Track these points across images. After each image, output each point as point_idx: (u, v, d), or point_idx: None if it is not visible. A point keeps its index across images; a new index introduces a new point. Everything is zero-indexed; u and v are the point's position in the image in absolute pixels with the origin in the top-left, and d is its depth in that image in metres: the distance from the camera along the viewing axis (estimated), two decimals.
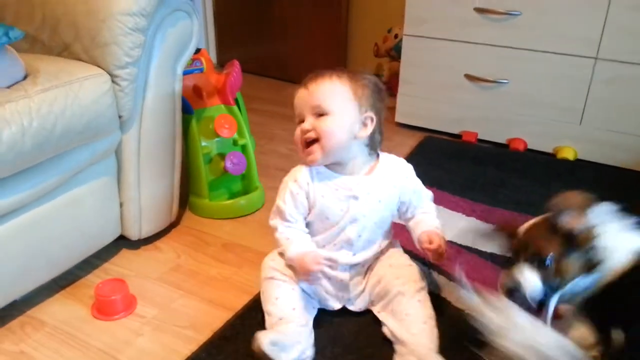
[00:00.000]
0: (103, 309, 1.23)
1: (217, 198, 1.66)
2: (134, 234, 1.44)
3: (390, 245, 1.26)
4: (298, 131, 1.15)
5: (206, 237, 1.55)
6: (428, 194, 1.27)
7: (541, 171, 1.93)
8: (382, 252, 1.23)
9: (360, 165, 1.18)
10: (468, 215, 1.65)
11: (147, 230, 1.46)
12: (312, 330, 1.13)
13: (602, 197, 1.64)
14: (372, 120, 1.15)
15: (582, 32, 1.89)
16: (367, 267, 1.22)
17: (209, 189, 1.63)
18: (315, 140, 1.12)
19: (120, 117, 1.27)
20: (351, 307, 1.22)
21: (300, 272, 1.13)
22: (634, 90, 1.88)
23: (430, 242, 1.14)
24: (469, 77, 2.13)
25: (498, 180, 1.85)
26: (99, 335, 1.18)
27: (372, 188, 1.16)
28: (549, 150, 2.09)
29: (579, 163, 2.02)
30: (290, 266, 1.16)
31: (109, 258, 1.43)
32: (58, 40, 1.28)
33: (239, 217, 1.64)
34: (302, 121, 1.14)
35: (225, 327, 1.18)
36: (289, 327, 1.07)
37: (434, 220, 1.22)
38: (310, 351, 1.08)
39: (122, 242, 1.46)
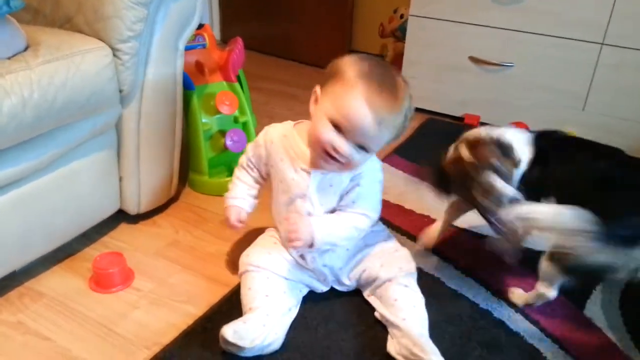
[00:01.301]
0: (100, 282, 1.24)
1: (216, 175, 1.66)
2: (132, 208, 1.44)
3: (376, 236, 1.25)
4: (329, 136, 1.02)
5: (205, 214, 1.55)
6: (368, 210, 1.14)
7: None
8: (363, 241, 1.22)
9: None
10: None
11: (145, 205, 1.47)
12: (286, 312, 1.12)
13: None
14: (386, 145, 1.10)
15: (589, 17, 1.87)
16: (338, 249, 1.19)
17: (208, 165, 1.63)
18: (338, 161, 1.05)
19: (121, 91, 1.27)
20: (339, 288, 1.23)
21: (224, 215, 1.25)
22: (637, 76, 1.87)
23: (291, 224, 1.09)
24: (474, 59, 2.11)
25: None
26: (96, 308, 1.19)
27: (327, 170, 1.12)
28: None
29: None
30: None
31: (108, 232, 1.44)
32: (60, 12, 1.27)
33: None
34: (338, 128, 1.02)
35: (221, 302, 1.20)
36: (254, 314, 1.06)
37: (332, 221, 1.13)
38: (278, 337, 1.06)
39: (121, 216, 1.46)
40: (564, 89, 2.00)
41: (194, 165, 1.66)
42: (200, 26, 1.65)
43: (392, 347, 1.07)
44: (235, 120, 1.66)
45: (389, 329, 1.11)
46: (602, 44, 1.88)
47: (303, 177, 1.14)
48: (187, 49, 1.53)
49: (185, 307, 1.20)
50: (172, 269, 1.32)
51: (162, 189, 1.50)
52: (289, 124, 1.20)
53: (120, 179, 1.40)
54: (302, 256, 1.20)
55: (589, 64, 1.92)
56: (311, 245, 1.09)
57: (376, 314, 1.16)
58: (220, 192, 1.62)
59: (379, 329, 1.13)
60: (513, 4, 1.97)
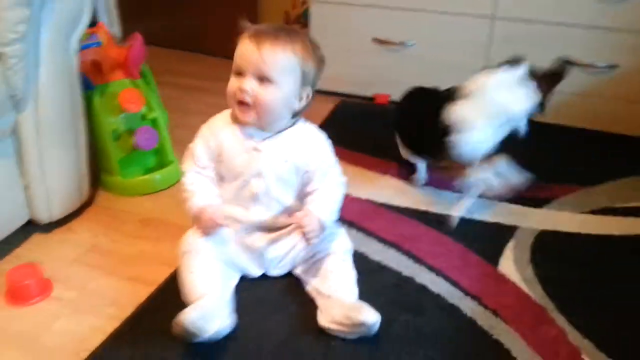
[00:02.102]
0: (16, 295, 1.18)
1: (130, 175, 1.61)
2: (43, 216, 1.38)
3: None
4: (234, 84, 1.12)
5: (122, 215, 1.51)
6: (337, 177, 1.22)
7: None
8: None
9: (276, 125, 1.17)
10: (383, 174, 1.71)
11: (58, 212, 1.40)
12: (231, 300, 1.13)
13: (506, 148, 1.76)
14: (308, 96, 1.16)
15: None
16: (285, 233, 1.22)
17: (121, 166, 1.59)
18: (247, 104, 1.11)
19: (13, 96, 1.20)
20: (273, 273, 1.24)
21: (198, 225, 1.16)
22: (532, 48, 1.98)
23: (301, 221, 1.12)
24: (377, 40, 2.17)
25: None
26: (14, 322, 1.14)
27: (277, 146, 1.16)
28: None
29: None
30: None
31: (20, 243, 1.37)
32: None
33: (155, 192, 1.61)
34: (240, 74, 1.11)
35: (147, 301, 1.17)
36: (207, 301, 1.05)
37: (325, 202, 1.18)
38: (228, 321, 1.07)
39: (32, 227, 1.40)
40: (463, 65, 2.06)
41: (105, 167, 1.61)
42: (94, 24, 1.59)
43: (323, 318, 1.09)
44: (144, 117, 1.61)
45: (320, 302, 1.13)
46: (494, 18, 1.98)
47: (254, 155, 1.15)
48: (82, 48, 1.46)
49: (109, 310, 1.17)
50: (92, 275, 1.28)
51: (74, 194, 1.44)
52: (228, 111, 1.20)
53: (26, 188, 1.33)
54: (248, 233, 1.20)
55: (484, 37, 2.03)
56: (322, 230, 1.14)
57: (308, 287, 1.18)
58: (135, 192, 1.59)
59: (311, 307, 1.15)
60: None
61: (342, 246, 1.22)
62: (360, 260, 1.30)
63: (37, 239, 1.40)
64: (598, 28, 1.88)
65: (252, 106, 1.11)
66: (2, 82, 1.17)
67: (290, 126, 1.19)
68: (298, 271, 1.23)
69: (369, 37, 2.18)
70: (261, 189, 1.17)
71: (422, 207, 1.53)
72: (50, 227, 1.42)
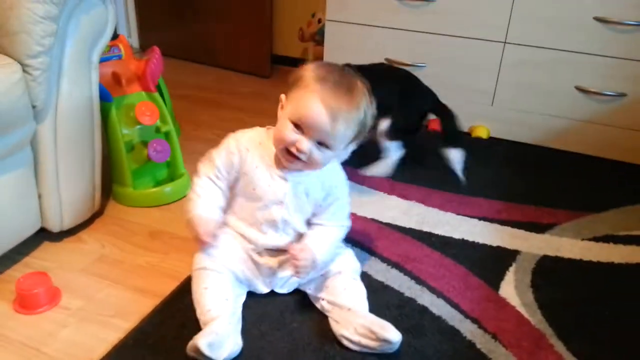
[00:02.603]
0: (25, 303, 1.21)
1: (141, 186, 1.65)
2: (55, 225, 1.41)
3: None
4: (291, 136, 1.09)
5: (132, 226, 1.54)
6: (344, 220, 1.24)
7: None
8: None
9: None
10: (389, 194, 1.73)
11: (69, 222, 1.44)
12: (240, 317, 1.16)
13: (514, 172, 1.79)
14: (352, 148, 1.17)
15: (491, 18, 2.00)
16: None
17: (133, 177, 1.62)
18: (300, 159, 1.11)
19: (34, 107, 1.24)
20: (279, 291, 1.26)
21: (190, 232, 1.18)
22: (540, 72, 2.01)
23: (296, 254, 1.13)
24: (389, 60, 2.20)
25: (417, 159, 1.93)
26: (22, 330, 1.16)
27: (303, 179, 1.18)
28: (465, 129, 2.19)
29: (492, 141, 2.15)
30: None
31: (30, 252, 1.40)
32: None
33: (165, 204, 1.64)
34: (300, 127, 1.09)
35: (152, 313, 1.19)
36: (220, 326, 1.06)
37: (324, 242, 1.19)
38: (239, 344, 1.09)
39: (43, 235, 1.43)
40: (474, 86, 2.12)
41: (117, 178, 1.64)
42: (115, 37, 1.63)
43: (342, 329, 1.11)
44: (157, 130, 1.65)
45: (336, 314, 1.15)
46: (505, 42, 2.01)
47: (280, 184, 1.17)
48: (103, 60, 1.51)
49: (115, 321, 1.19)
50: (100, 285, 1.30)
51: (85, 204, 1.48)
52: (260, 130, 1.22)
53: (40, 197, 1.36)
54: (259, 253, 1.22)
55: (494, 62, 2.06)
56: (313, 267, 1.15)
57: (322, 302, 1.19)
58: (146, 203, 1.62)
59: (311, 325, 1.17)
60: (422, 7, 2.08)
61: (350, 265, 1.24)
62: (363, 279, 1.31)
63: (47, 247, 1.43)
64: (607, 57, 1.90)
65: (304, 162, 1.11)
66: (25, 93, 1.20)
67: None
68: (307, 289, 1.24)
69: (381, 57, 2.21)
70: (281, 217, 1.19)
71: (426, 229, 1.55)
72: (60, 236, 1.45)
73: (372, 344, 1.08)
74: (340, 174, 1.24)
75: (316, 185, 1.19)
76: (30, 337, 1.14)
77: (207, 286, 1.15)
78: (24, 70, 1.20)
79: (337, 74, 1.10)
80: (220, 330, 1.05)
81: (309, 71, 1.11)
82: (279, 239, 1.21)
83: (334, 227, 1.23)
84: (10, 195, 1.27)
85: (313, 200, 1.20)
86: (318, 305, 1.21)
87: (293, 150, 1.10)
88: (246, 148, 1.18)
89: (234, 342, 1.07)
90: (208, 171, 1.21)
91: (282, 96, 1.16)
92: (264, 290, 1.25)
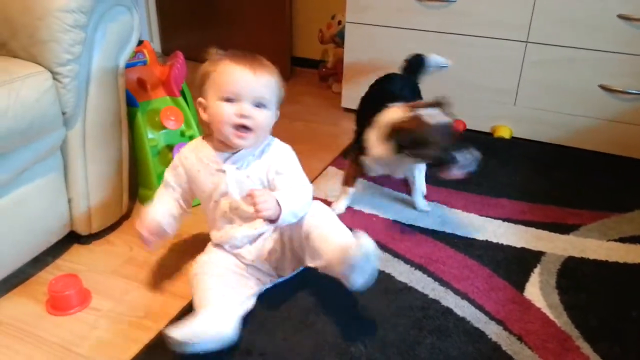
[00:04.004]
0: (57, 305, 1.24)
1: None
2: (84, 229, 1.44)
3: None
4: (229, 110, 1.15)
5: None
6: (303, 183, 1.23)
7: (480, 150, 2.02)
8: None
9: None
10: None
11: (97, 225, 1.47)
12: (244, 305, 1.18)
13: (537, 172, 1.78)
14: (277, 115, 1.24)
15: (513, 18, 1.99)
16: (271, 234, 1.26)
17: (158, 180, 1.64)
18: (248, 128, 1.16)
19: (63, 114, 1.27)
20: (285, 275, 1.29)
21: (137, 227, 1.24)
22: (563, 71, 2.00)
23: (254, 196, 1.10)
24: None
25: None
26: (55, 331, 1.19)
27: (240, 164, 1.21)
28: (487, 129, 2.19)
29: (514, 141, 2.13)
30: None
31: (61, 254, 1.44)
32: None
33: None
34: (232, 100, 1.15)
35: (180, 314, 1.22)
36: (202, 311, 1.08)
37: (288, 192, 1.17)
38: (232, 327, 1.08)
39: (73, 238, 1.46)
40: (496, 86, 2.11)
41: (143, 181, 1.67)
42: (140, 43, 1.66)
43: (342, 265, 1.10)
44: (182, 134, 1.68)
45: (321, 261, 1.16)
46: (527, 42, 2.00)
47: (220, 176, 1.21)
48: (128, 66, 1.54)
49: (144, 322, 1.22)
50: (129, 286, 1.33)
51: (113, 208, 1.51)
52: (198, 139, 1.30)
53: (69, 201, 1.39)
54: (239, 254, 1.25)
55: (516, 61, 2.04)
56: (276, 220, 1.12)
57: (315, 263, 1.19)
58: None
59: (336, 326, 1.18)
60: (442, 8, 2.07)
61: (322, 215, 1.22)
62: (386, 281, 1.33)
63: (77, 250, 1.47)
64: (631, 54, 1.88)
65: (252, 129, 1.16)
66: (56, 100, 1.24)
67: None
68: (309, 263, 1.22)
69: (401, 58, 2.20)
70: (228, 206, 1.22)
71: (449, 230, 1.55)
72: (89, 239, 1.49)
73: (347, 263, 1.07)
74: (279, 146, 1.26)
75: (255, 164, 1.22)
76: (63, 337, 1.18)
77: (202, 287, 1.17)
78: (54, 78, 1.23)
79: (254, 55, 1.20)
80: (198, 316, 1.06)
81: (208, 62, 1.21)
82: (240, 230, 1.23)
83: (295, 186, 1.20)
84: (42, 200, 1.30)
85: (258, 181, 1.22)
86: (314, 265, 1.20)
87: (238, 120, 1.15)
88: (185, 157, 1.26)
89: (220, 325, 1.06)
90: (162, 188, 1.31)
91: (200, 99, 1.21)
92: (269, 281, 1.28)
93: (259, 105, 1.16)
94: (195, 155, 1.25)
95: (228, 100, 1.16)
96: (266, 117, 1.18)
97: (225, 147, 1.22)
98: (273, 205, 1.11)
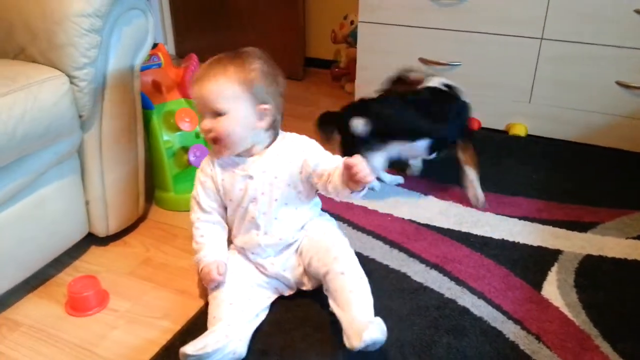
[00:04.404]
0: (76, 306, 1.26)
1: (182, 191, 1.69)
2: (101, 230, 1.46)
3: (318, 226, 1.28)
4: (200, 126, 1.19)
5: (174, 230, 1.58)
6: (336, 159, 1.20)
7: (495, 148, 2.02)
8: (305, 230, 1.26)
9: (258, 147, 1.22)
10: (425, 194, 1.73)
11: (114, 227, 1.48)
12: (255, 322, 1.16)
13: (553, 170, 1.76)
14: (267, 110, 1.17)
15: (527, 14, 1.97)
16: (295, 250, 1.25)
17: (174, 182, 1.66)
18: (216, 139, 1.16)
19: (80, 117, 1.29)
20: (304, 288, 1.27)
21: (201, 278, 1.21)
22: (577, 67, 1.98)
23: (351, 167, 1.08)
24: (423, 60, 2.19)
25: (454, 159, 1.92)
26: (74, 331, 1.21)
27: (266, 166, 1.20)
28: (502, 127, 2.18)
29: (529, 138, 2.12)
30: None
31: (79, 256, 1.45)
32: (13, 43, 1.28)
33: None
34: (202, 117, 1.17)
35: (198, 315, 1.23)
36: (214, 328, 1.08)
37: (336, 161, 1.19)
38: (242, 343, 1.09)
39: (90, 239, 1.48)
40: (510, 84, 2.10)
41: (159, 183, 1.68)
42: (155, 46, 1.67)
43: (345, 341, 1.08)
44: (197, 135, 1.69)
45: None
46: (542, 38, 1.98)
47: (247, 182, 1.21)
48: (143, 69, 1.55)
49: (162, 323, 1.23)
50: (146, 287, 1.35)
51: (130, 209, 1.52)
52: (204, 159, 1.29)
53: (87, 203, 1.41)
54: (261, 265, 1.25)
55: (531, 58, 2.03)
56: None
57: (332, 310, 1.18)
58: (186, 207, 1.63)
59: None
60: (455, 6, 2.06)
61: (338, 258, 1.18)
62: (402, 281, 1.32)
63: (94, 251, 1.48)
64: None
65: (218, 140, 1.16)
66: (73, 104, 1.25)
67: (271, 143, 1.23)
68: (324, 291, 1.21)
69: (415, 56, 2.21)
70: (257, 212, 1.21)
71: (465, 229, 1.54)
72: (106, 240, 1.50)
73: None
74: (301, 140, 1.25)
75: (282, 163, 1.21)
76: (82, 338, 1.19)
77: (215, 295, 1.17)
78: (71, 82, 1.25)
79: (220, 57, 1.19)
80: (211, 333, 1.06)
81: None
82: (265, 237, 1.23)
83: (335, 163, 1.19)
84: (60, 202, 1.32)
85: (288, 179, 1.21)
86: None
87: (206, 136, 1.17)
88: (210, 169, 1.24)
89: (229, 341, 1.05)
90: (198, 214, 1.26)
91: None
92: (289, 291, 1.27)
93: (217, 114, 1.15)
94: (216, 165, 1.24)
95: (202, 116, 1.18)
96: (229, 124, 1.14)
97: (243, 151, 1.21)
98: (364, 164, 1.08)
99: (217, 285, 1.18)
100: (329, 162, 1.20)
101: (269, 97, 1.18)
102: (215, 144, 1.18)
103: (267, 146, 1.23)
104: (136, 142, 1.50)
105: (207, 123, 1.16)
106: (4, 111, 1.10)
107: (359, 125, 1.55)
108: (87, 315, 1.25)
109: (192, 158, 1.64)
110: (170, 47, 3.26)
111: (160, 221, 1.62)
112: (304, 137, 1.26)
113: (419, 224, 1.57)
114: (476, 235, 1.51)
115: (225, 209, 1.27)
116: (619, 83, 1.93)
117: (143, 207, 1.59)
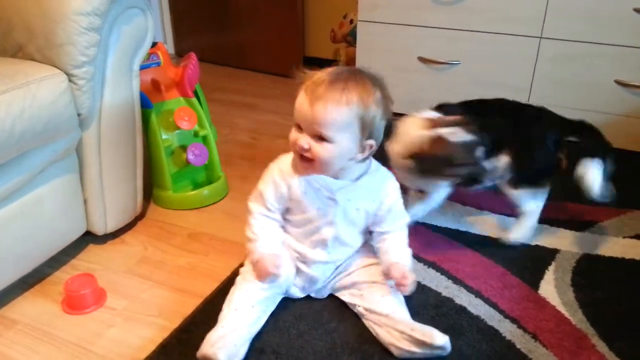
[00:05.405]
0: (73, 304, 1.26)
1: (181, 189, 1.69)
2: (99, 229, 1.46)
3: (365, 248, 1.28)
4: (294, 136, 1.10)
5: (172, 228, 1.58)
6: (403, 219, 1.24)
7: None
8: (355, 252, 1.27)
9: (349, 172, 1.16)
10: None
11: (112, 225, 1.49)
12: (260, 326, 1.16)
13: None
14: (371, 147, 1.12)
15: (526, 13, 1.97)
16: (338, 265, 1.26)
17: (172, 180, 1.66)
18: (308, 159, 1.10)
19: (79, 115, 1.29)
20: (314, 295, 1.27)
21: (255, 271, 1.18)
22: (576, 66, 1.98)
23: (402, 280, 1.13)
24: (422, 59, 2.19)
25: None
26: (71, 330, 1.21)
27: (353, 196, 1.17)
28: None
29: None
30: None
31: (76, 254, 1.46)
32: (12, 41, 1.29)
33: (203, 207, 1.68)
34: (300, 128, 1.09)
35: (194, 313, 1.23)
36: (238, 334, 1.09)
37: (405, 251, 1.21)
38: (244, 350, 1.10)
39: (88, 238, 1.48)
40: (509, 82, 2.10)
41: (158, 182, 1.69)
42: (154, 44, 1.68)
43: (388, 336, 1.11)
44: (195, 134, 1.69)
45: (376, 319, 1.14)
46: (541, 37, 1.98)
47: (329, 205, 1.17)
48: (142, 68, 1.55)
49: (159, 321, 1.23)
50: (143, 285, 1.35)
51: (128, 208, 1.53)
52: (286, 156, 1.20)
53: (85, 201, 1.41)
54: (304, 262, 1.24)
55: (530, 57, 2.03)
56: None
57: (358, 308, 1.19)
58: (185, 206, 1.66)
59: (350, 324, 1.19)
60: (454, 4, 2.06)
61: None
62: (424, 291, 1.31)
63: (92, 249, 1.48)
64: None
65: (312, 160, 1.09)
66: (71, 102, 1.25)
67: (364, 173, 1.18)
68: (342, 296, 1.25)
69: (414, 55, 2.21)
70: (330, 236, 1.20)
71: (463, 228, 1.54)
72: (104, 238, 1.50)
73: (420, 350, 1.07)
74: (390, 180, 1.22)
75: (366, 198, 1.18)
76: (78, 336, 1.19)
77: (247, 289, 1.17)
78: (69, 80, 1.25)
79: (340, 73, 1.08)
80: (238, 341, 1.08)
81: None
82: (327, 256, 1.23)
83: (401, 231, 1.23)
84: (58, 201, 1.32)
85: (364, 213, 1.20)
86: (354, 310, 1.21)
87: (296, 149, 1.10)
88: (291, 174, 1.17)
89: (242, 353, 1.09)
90: (260, 208, 1.21)
91: None
92: (300, 295, 1.26)
93: (320, 138, 1.07)
94: (303, 176, 1.16)
95: (297, 126, 1.10)
96: (328, 151, 1.07)
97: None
98: (412, 281, 1.14)
99: (271, 279, 1.16)
100: (393, 223, 1.22)
101: (376, 131, 1.11)
102: (305, 162, 1.11)
103: (361, 175, 1.18)
104: (135, 141, 1.50)
105: (306, 142, 1.07)
106: (2, 109, 1.10)
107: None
108: (84, 313, 1.25)
109: (190, 157, 1.65)
110: (169, 46, 3.27)
111: (159, 220, 1.63)
112: (392, 179, 1.22)
113: (417, 222, 1.57)
114: (474, 234, 1.52)
115: (286, 210, 1.22)
116: (617, 82, 1.93)
117: (141, 205, 1.59)
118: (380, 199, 1.19)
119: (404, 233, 1.24)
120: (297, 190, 1.16)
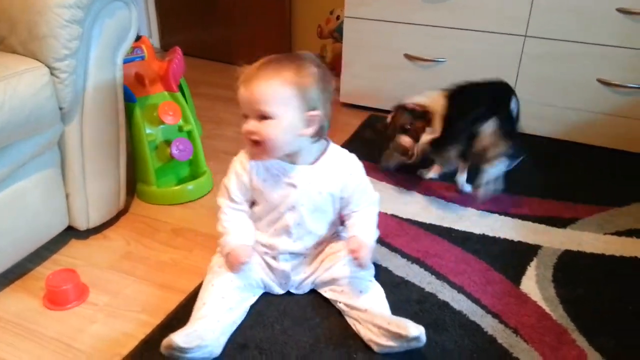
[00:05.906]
0: (55, 300, 1.25)
1: (165, 184, 1.68)
2: (82, 224, 1.45)
3: (336, 237, 1.29)
4: (243, 127, 1.13)
5: (155, 224, 1.57)
6: (372, 197, 1.25)
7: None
8: (325, 243, 1.27)
9: (305, 155, 1.18)
10: (409, 190, 1.74)
11: (95, 220, 1.47)
12: (238, 321, 1.17)
13: (534, 166, 1.77)
14: (316, 117, 1.13)
15: (511, 12, 1.98)
16: (309, 257, 1.26)
17: (156, 175, 1.65)
18: (257, 142, 1.12)
19: (61, 109, 1.27)
20: (294, 291, 1.27)
21: (227, 262, 1.20)
22: (560, 65, 2.00)
23: (355, 252, 1.14)
24: (408, 56, 2.20)
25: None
26: (52, 325, 1.20)
27: (312, 179, 1.18)
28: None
29: None
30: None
31: (58, 249, 1.44)
32: None
33: (187, 202, 1.67)
34: (245, 117, 1.12)
35: (178, 309, 1.22)
36: (205, 323, 1.08)
37: (367, 226, 1.21)
38: (221, 344, 1.10)
39: (70, 233, 1.47)
40: None
41: (141, 176, 1.67)
42: (138, 38, 1.66)
43: (366, 332, 1.12)
44: (180, 129, 1.68)
45: (356, 315, 1.15)
46: (525, 36, 2.00)
47: (289, 190, 1.18)
48: (126, 61, 1.54)
49: (142, 317, 1.22)
50: (126, 281, 1.34)
51: (111, 203, 1.51)
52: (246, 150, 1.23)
53: (67, 196, 1.40)
54: (274, 257, 1.24)
55: (514, 55, 2.04)
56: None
57: (340, 305, 1.20)
58: (169, 201, 1.65)
59: (333, 320, 1.19)
60: (441, 2, 2.07)
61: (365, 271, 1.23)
62: (383, 275, 1.33)
63: (74, 244, 1.47)
64: (630, 48, 1.88)
65: (259, 143, 1.11)
66: (53, 95, 1.24)
67: (322, 154, 1.20)
68: (323, 292, 1.25)
69: (400, 53, 2.21)
70: (293, 221, 1.20)
71: (446, 224, 1.55)
72: (87, 233, 1.49)
73: (396, 344, 1.08)
74: (351, 160, 1.23)
75: (328, 180, 1.19)
76: (60, 332, 1.18)
77: (214, 283, 1.18)
78: (51, 74, 1.23)
79: (273, 57, 1.13)
80: (201, 328, 1.06)
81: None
82: (292, 245, 1.23)
83: (368, 208, 1.24)
84: (39, 195, 1.31)
85: (329, 197, 1.21)
86: (337, 306, 1.22)
87: (247, 136, 1.12)
88: (251, 164, 1.20)
89: (214, 345, 1.07)
90: (226, 202, 1.23)
91: None
92: (280, 291, 1.26)
93: (263, 117, 1.10)
94: (262, 164, 1.19)
95: (244, 117, 1.12)
96: (274, 128, 1.09)
97: (285, 156, 1.18)
98: (368, 254, 1.15)
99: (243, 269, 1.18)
100: (360, 202, 1.22)
101: (319, 104, 1.13)
102: (256, 147, 1.13)
103: (318, 158, 1.20)
104: (118, 135, 1.49)
105: (252, 125, 1.10)
106: None
107: None
108: (66, 309, 1.24)
109: (175, 151, 1.64)
110: (154, 40, 3.24)
111: (142, 215, 1.61)
112: (353, 158, 1.24)
113: (401, 219, 1.58)
114: (457, 230, 1.53)
115: (252, 203, 1.24)
116: (600, 80, 1.95)
117: (124, 200, 1.58)
118: (343, 180, 1.20)
119: (372, 211, 1.24)
120: (257, 179, 1.19)
